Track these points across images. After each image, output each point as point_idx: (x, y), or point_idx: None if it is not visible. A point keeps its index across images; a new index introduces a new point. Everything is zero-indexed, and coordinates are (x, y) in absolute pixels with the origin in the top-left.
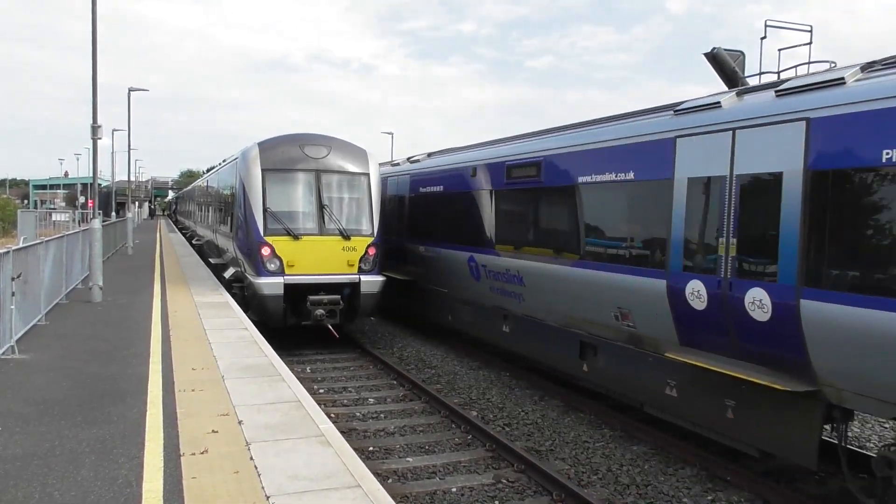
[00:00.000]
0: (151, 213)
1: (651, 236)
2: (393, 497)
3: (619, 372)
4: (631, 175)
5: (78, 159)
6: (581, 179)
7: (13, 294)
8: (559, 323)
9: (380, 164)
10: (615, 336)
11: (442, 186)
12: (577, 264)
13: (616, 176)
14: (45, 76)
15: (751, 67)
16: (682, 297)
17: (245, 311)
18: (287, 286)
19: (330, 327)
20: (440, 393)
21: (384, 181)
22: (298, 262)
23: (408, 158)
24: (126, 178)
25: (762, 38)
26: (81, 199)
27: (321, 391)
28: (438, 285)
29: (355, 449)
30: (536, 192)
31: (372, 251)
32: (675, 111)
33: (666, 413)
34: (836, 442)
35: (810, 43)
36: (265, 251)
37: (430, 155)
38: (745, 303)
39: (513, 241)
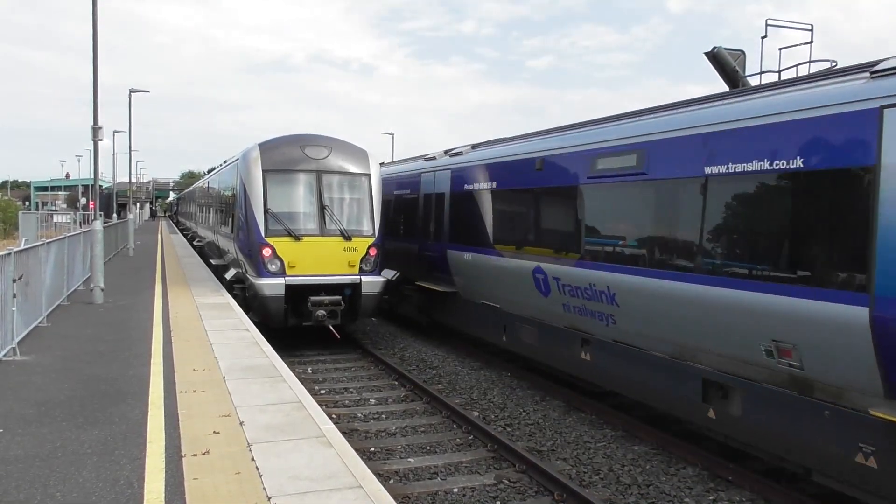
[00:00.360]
0: (153, 215)
1: (837, 245)
2: (394, 497)
3: (769, 424)
4: (797, 162)
5: (79, 161)
6: (711, 170)
7: (14, 296)
8: (669, 354)
9: (411, 159)
10: (765, 377)
11: (495, 183)
12: (705, 281)
13: (770, 164)
14: (45, 77)
15: (751, 67)
16: None
17: (246, 312)
18: (288, 287)
19: (331, 328)
20: (441, 393)
21: (417, 177)
22: (299, 263)
23: (446, 151)
24: (127, 180)
25: (763, 38)
26: (83, 201)
27: (322, 392)
28: (489, 299)
29: (356, 449)
30: (638, 189)
31: (373, 252)
32: (872, 73)
33: (854, 486)
34: None
35: (811, 42)
36: (266, 252)
37: (475, 147)
38: None
39: (601, 249)
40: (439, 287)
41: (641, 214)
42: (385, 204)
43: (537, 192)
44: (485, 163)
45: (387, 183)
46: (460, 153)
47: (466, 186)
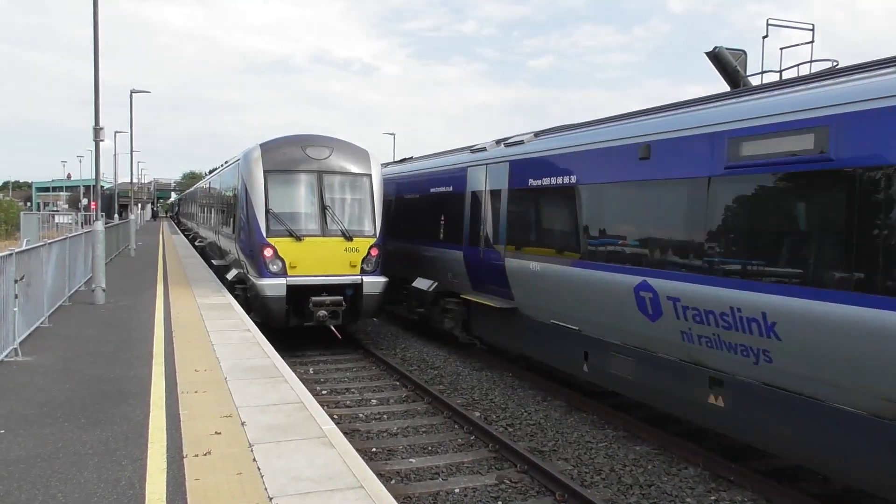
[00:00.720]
0: (154, 215)
1: None
2: (396, 498)
3: None
4: None
5: (80, 161)
6: None
7: (16, 296)
8: (875, 411)
9: (447, 152)
10: None
11: (574, 177)
12: None
13: None
14: (47, 78)
15: (752, 66)
16: None
17: (248, 313)
18: (290, 287)
19: (333, 328)
20: (443, 394)
21: (461, 172)
22: (301, 263)
23: (498, 141)
24: (128, 180)
25: (764, 37)
26: (84, 201)
27: (324, 392)
28: (563, 319)
29: (358, 450)
30: (819, 180)
31: (374, 252)
32: None
33: None
34: None
35: (812, 41)
36: (267, 252)
37: (538, 134)
38: None
39: (752, 262)
40: (493, 302)
41: (826, 216)
42: (412, 203)
43: (641, 188)
44: (558, 153)
45: (416, 180)
46: (520, 142)
47: (532, 182)
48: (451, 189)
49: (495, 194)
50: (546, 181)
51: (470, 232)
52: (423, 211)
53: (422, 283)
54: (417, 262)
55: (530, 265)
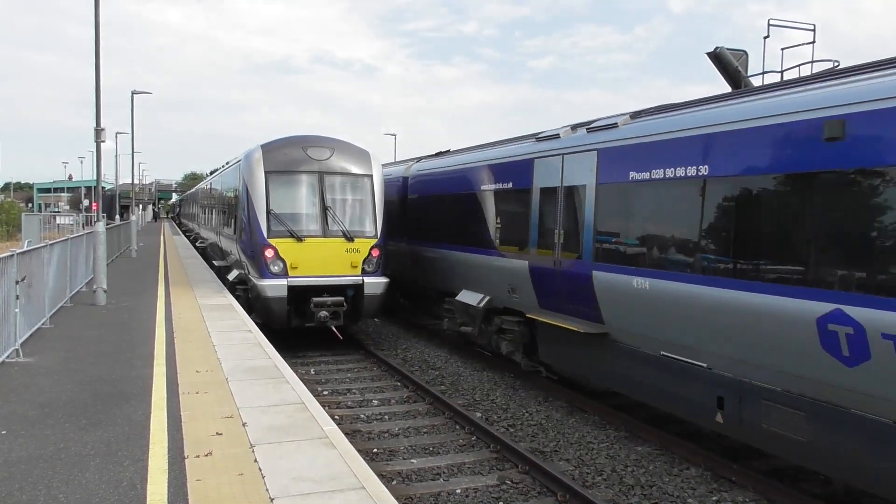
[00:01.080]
0: (155, 216)
1: None
2: (397, 498)
3: None
4: None
5: (82, 162)
6: None
7: (17, 297)
8: None
9: (499, 142)
10: None
11: (707, 167)
12: None
13: None
14: (48, 79)
15: (754, 66)
16: None
17: (249, 314)
18: (291, 288)
19: (334, 329)
20: (444, 394)
21: (524, 165)
22: (302, 264)
23: (574, 126)
24: (130, 181)
25: (765, 38)
26: (85, 203)
27: (325, 393)
28: (683, 353)
29: (359, 450)
30: None
31: (375, 252)
32: None
33: None
34: None
35: (813, 42)
36: (269, 253)
37: (635, 116)
38: None
39: None
40: (574, 325)
41: None
42: (454, 203)
43: (829, 179)
44: (678, 136)
45: (459, 176)
46: (612, 125)
47: (635, 174)
48: (509, 185)
49: (576, 191)
50: (658, 173)
51: (538, 237)
52: (468, 212)
53: (468, 297)
54: (462, 271)
55: (633, 281)
